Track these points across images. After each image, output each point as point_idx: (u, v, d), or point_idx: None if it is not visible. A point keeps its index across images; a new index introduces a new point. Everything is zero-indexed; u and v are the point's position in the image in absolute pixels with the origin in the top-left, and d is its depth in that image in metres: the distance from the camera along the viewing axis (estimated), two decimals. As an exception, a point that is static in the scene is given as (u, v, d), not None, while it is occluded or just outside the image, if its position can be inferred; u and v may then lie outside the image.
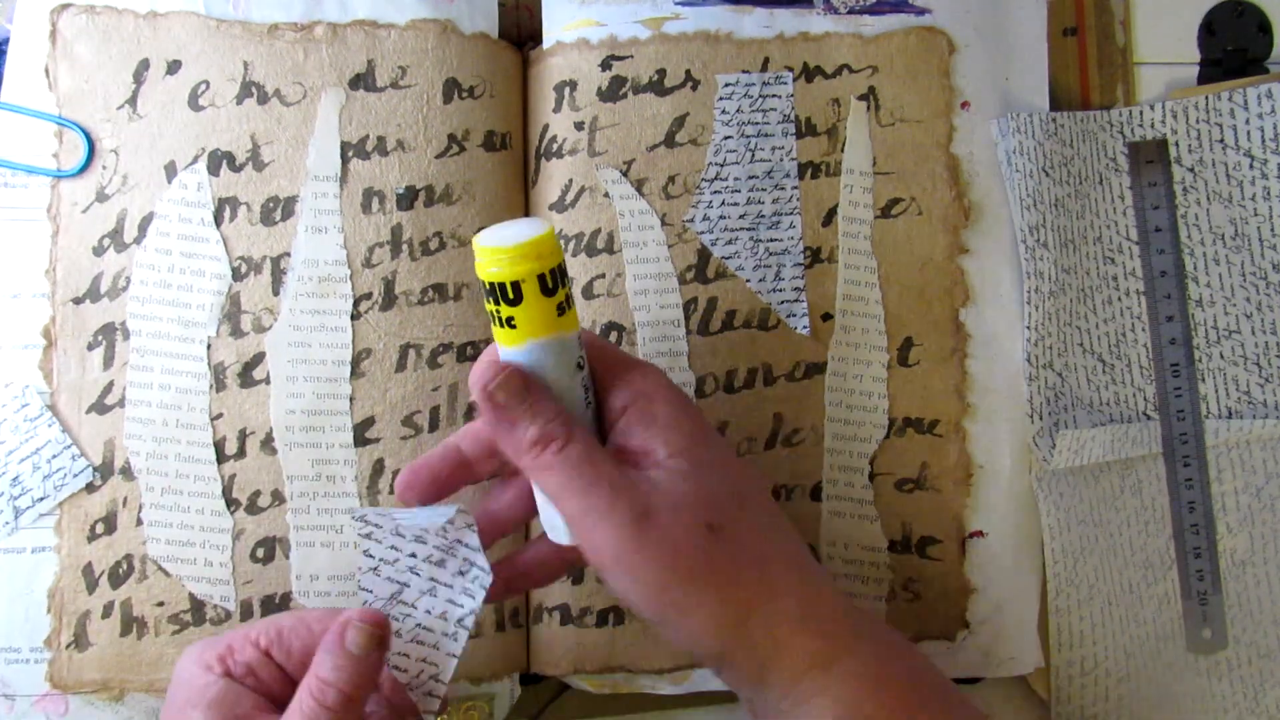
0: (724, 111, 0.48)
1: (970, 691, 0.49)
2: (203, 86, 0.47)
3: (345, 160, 0.47)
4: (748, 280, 0.47)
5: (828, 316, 0.48)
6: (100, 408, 0.46)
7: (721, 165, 0.48)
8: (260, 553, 0.46)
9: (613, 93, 0.48)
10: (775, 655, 0.35)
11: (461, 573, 0.38)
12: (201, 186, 0.46)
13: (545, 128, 0.48)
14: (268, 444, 0.46)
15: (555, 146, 0.48)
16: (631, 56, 0.48)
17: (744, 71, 0.48)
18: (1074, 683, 0.48)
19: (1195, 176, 0.50)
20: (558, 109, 0.48)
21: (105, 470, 0.45)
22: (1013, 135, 0.48)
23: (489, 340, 0.47)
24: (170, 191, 0.46)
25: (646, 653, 0.47)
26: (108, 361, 0.46)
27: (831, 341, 0.48)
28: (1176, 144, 0.50)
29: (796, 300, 0.48)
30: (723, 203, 0.48)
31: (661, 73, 0.48)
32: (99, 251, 0.46)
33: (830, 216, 0.48)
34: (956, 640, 0.47)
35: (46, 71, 0.47)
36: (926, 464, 0.48)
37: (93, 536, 0.45)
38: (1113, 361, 0.49)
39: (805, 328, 0.48)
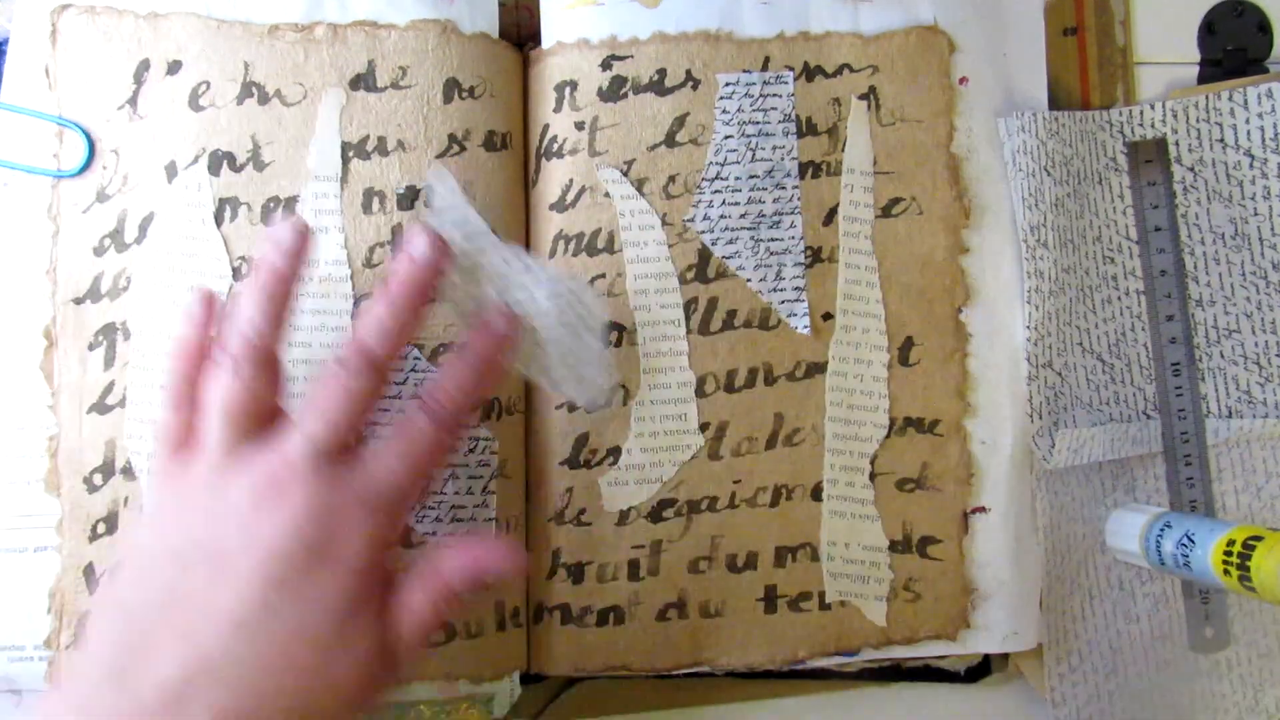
0: (724, 111, 0.48)
1: (972, 690, 0.49)
2: (203, 87, 0.47)
3: (346, 160, 0.47)
4: (748, 280, 0.47)
5: (828, 316, 0.48)
6: (101, 408, 0.46)
7: (722, 165, 0.48)
8: (261, 553, 0.46)
9: (613, 92, 0.48)
10: None
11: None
12: (202, 187, 0.46)
13: (545, 128, 0.48)
14: (268, 444, 0.46)
15: (556, 146, 0.48)
16: (632, 56, 0.48)
17: (744, 71, 0.48)
18: (1065, 680, 0.48)
19: (1195, 176, 0.50)
20: (558, 109, 0.48)
21: (106, 470, 0.45)
22: (1017, 135, 0.48)
23: (490, 340, 0.47)
24: (171, 192, 0.46)
25: (647, 652, 0.47)
26: (108, 362, 0.46)
27: (832, 341, 0.48)
28: (1176, 143, 0.50)
29: (797, 300, 0.48)
30: (723, 202, 0.48)
31: (662, 72, 0.48)
32: (99, 252, 0.46)
33: (831, 216, 0.48)
34: (958, 640, 0.47)
35: (47, 71, 0.47)
36: (927, 464, 0.48)
37: (94, 536, 0.45)
38: (1113, 361, 0.49)
39: (806, 327, 0.48)
